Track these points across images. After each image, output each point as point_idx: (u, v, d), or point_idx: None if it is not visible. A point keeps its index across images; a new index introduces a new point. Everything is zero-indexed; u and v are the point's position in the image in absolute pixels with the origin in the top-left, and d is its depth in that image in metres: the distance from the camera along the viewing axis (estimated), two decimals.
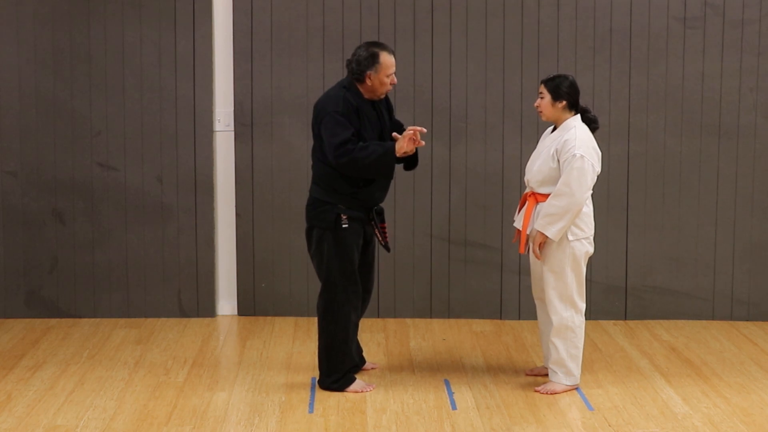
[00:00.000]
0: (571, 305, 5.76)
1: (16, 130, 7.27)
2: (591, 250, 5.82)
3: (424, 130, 5.66)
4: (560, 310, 5.76)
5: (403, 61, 7.27)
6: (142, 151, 7.30)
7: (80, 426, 5.30)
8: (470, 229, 7.38)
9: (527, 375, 6.13)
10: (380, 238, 5.89)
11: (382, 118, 5.87)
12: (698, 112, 7.30)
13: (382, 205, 5.91)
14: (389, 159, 5.64)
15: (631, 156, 7.32)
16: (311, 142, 7.34)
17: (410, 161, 5.91)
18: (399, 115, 7.29)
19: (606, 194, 7.27)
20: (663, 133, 7.32)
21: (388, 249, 5.97)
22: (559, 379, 5.83)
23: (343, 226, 5.70)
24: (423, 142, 5.69)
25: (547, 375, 6.02)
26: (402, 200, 7.37)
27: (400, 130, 5.94)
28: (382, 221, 5.91)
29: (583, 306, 5.80)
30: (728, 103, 7.29)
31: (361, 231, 5.81)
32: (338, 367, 5.82)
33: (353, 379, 5.86)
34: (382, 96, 5.80)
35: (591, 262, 7.27)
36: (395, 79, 5.76)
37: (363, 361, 6.20)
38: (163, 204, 7.32)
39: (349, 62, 5.74)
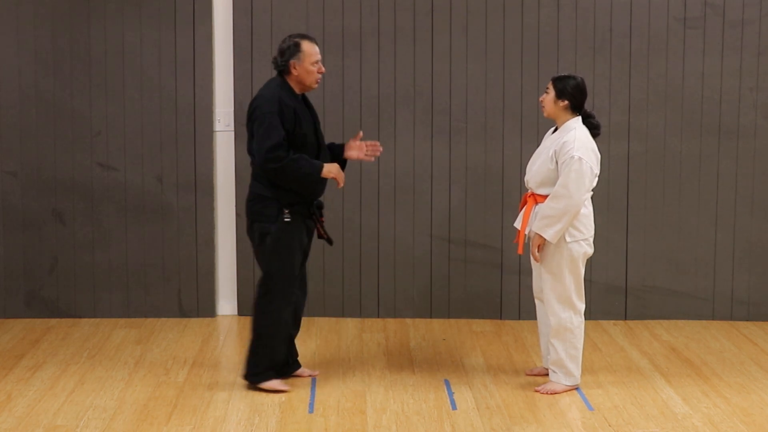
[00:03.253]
0: (569, 306, 5.76)
1: (16, 130, 7.27)
2: (590, 251, 5.81)
3: (380, 150, 5.94)
4: (558, 311, 5.76)
5: (403, 61, 7.27)
6: (142, 151, 7.30)
7: (80, 426, 5.30)
8: (470, 229, 7.38)
9: (527, 375, 6.13)
10: (322, 232, 5.90)
11: (314, 114, 5.90)
12: (698, 112, 7.30)
13: (321, 198, 5.93)
14: (315, 179, 5.71)
15: (631, 156, 7.32)
16: None
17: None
18: (399, 115, 7.30)
19: (606, 194, 7.27)
20: (663, 133, 7.32)
21: (330, 242, 5.98)
22: (559, 379, 5.83)
23: (285, 220, 5.71)
24: (373, 158, 5.95)
25: (546, 375, 6.02)
26: (402, 200, 7.37)
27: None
28: (320, 215, 5.93)
29: (582, 307, 5.80)
30: (728, 103, 7.29)
31: (303, 226, 5.82)
32: (261, 360, 5.82)
33: (272, 377, 5.84)
34: (314, 86, 5.80)
35: (591, 262, 7.27)
36: (323, 68, 5.79)
37: (297, 365, 6.10)
38: (163, 204, 7.32)
39: (274, 58, 5.79)
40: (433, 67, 7.28)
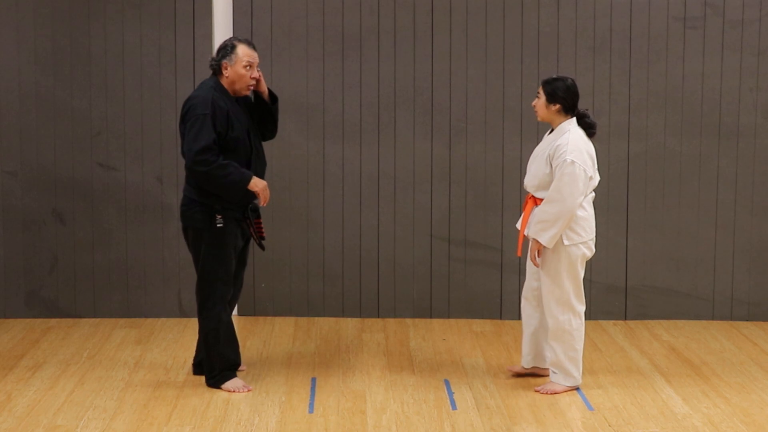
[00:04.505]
0: (568, 309, 5.76)
1: (16, 130, 7.27)
2: (589, 254, 5.80)
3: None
4: (557, 313, 5.76)
5: (403, 61, 7.27)
6: (142, 151, 7.30)
7: (80, 426, 5.30)
8: (470, 229, 7.38)
9: (508, 370, 6.11)
10: (255, 237, 5.89)
11: (248, 116, 5.86)
12: (698, 112, 7.31)
13: (256, 201, 5.88)
14: (241, 188, 5.65)
15: (631, 156, 7.33)
16: (311, 142, 7.38)
17: (269, 118, 5.98)
18: (399, 115, 7.30)
19: (606, 194, 7.27)
20: (663, 133, 7.33)
21: (263, 247, 5.98)
22: (559, 380, 5.83)
23: (218, 225, 5.71)
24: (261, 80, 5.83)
25: (525, 375, 6.03)
26: (402, 200, 7.37)
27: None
28: (258, 217, 5.92)
29: (582, 309, 5.79)
30: (728, 103, 7.29)
31: (237, 230, 5.81)
32: (215, 364, 5.84)
33: (231, 376, 5.86)
34: (245, 91, 5.78)
35: (591, 262, 7.27)
36: (257, 73, 5.76)
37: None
38: (163, 204, 7.32)
39: (211, 58, 5.79)
40: (433, 67, 7.28)
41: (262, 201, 5.74)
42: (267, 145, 7.30)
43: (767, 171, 7.35)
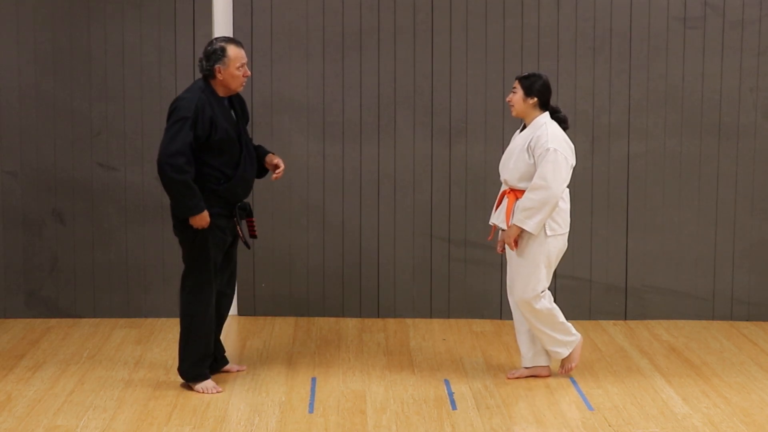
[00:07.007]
0: (537, 297, 5.86)
1: (16, 130, 7.27)
2: (564, 248, 5.91)
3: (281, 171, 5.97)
4: (532, 303, 5.87)
5: (403, 61, 7.27)
6: (142, 151, 7.30)
7: (80, 426, 5.30)
8: (470, 229, 7.38)
9: (509, 379, 6.10)
10: (240, 234, 5.91)
11: (242, 115, 5.91)
12: (698, 112, 7.31)
13: (246, 201, 5.95)
14: (185, 213, 5.66)
15: (631, 156, 7.33)
16: (311, 142, 7.38)
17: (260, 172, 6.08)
18: (399, 115, 7.30)
19: (606, 194, 7.27)
20: (663, 133, 7.33)
21: (248, 246, 6.01)
22: (563, 354, 5.97)
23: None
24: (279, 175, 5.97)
25: (528, 376, 6.04)
26: (402, 200, 7.37)
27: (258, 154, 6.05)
28: (250, 215, 5.95)
29: (545, 293, 5.91)
30: (728, 103, 7.29)
31: (224, 227, 5.83)
32: (190, 354, 5.82)
33: (205, 377, 5.85)
34: (238, 89, 5.82)
35: (591, 262, 7.28)
36: (248, 72, 5.81)
37: (225, 361, 6.16)
38: (163, 204, 7.32)
39: (200, 60, 5.79)
40: (433, 67, 7.28)
41: (196, 225, 5.72)
42: (264, 145, 7.31)
43: (767, 171, 7.35)
